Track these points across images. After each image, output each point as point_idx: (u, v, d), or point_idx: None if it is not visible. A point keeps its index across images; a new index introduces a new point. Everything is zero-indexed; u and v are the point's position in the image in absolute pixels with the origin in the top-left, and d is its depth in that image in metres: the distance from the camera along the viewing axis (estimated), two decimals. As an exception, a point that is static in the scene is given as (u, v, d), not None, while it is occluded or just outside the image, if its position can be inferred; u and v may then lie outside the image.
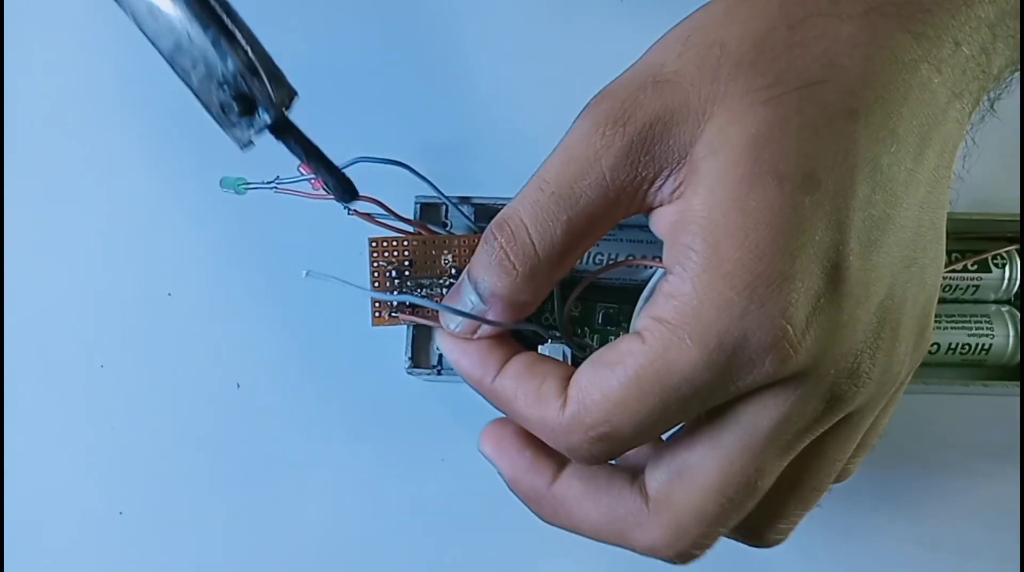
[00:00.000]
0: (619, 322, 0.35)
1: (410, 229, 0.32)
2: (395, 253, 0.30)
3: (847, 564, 0.37)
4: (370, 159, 0.31)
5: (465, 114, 0.39)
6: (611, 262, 0.34)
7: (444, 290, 0.31)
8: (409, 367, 0.33)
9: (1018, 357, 0.35)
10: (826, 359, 0.22)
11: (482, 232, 0.31)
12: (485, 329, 0.25)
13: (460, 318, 0.25)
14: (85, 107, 0.40)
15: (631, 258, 0.33)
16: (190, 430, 0.37)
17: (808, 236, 0.21)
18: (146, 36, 0.22)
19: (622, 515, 0.24)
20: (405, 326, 0.33)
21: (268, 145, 0.37)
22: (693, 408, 0.22)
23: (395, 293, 0.29)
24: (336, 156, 0.29)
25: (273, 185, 0.30)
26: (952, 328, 0.35)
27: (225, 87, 0.22)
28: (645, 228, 0.34)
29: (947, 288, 0.35)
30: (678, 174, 0.22)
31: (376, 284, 0.31)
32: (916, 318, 0.24)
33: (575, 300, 0.34)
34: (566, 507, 0.25)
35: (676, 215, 0.22)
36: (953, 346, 0.35)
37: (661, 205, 0.23)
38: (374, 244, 0.30)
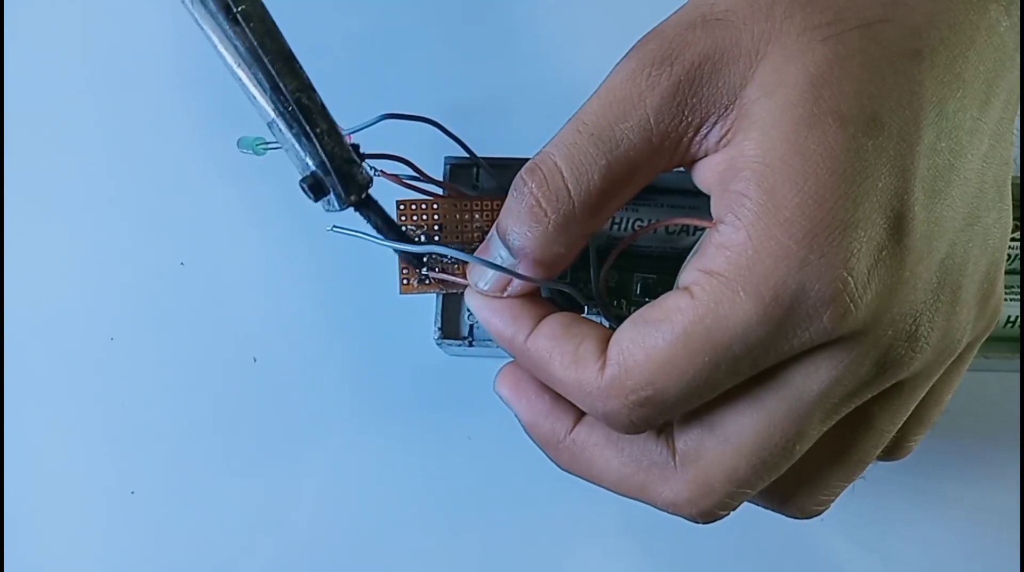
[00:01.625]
0: (658, 293, 0.33)
1: (439, 191, 0.31)
2: (424, 216, 0.30)
3: (893, 545, 0.35)
4: (397, 116, 0.30)
5: (497, 72, 0.38)
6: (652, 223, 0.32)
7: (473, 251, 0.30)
8: (439, 337, 0.31)
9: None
10: (884, 318, 0.21)
11: (502, 197, 0.30)
12: (516, 286, 0.24)
13: (489, 275, 0.24)
14: (93, 68, 0.39)
15: (675, 218, 0.31)
16: (205, 406, 0.37)
17: (871, 182, 0.20)
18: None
19: (646, 466, 0.23)
20: (434, 295, 0.32)
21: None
22: (744, 369, 0.21)
23: (422, 245, 0.28)
24: (361, 114, 0.29)
25: (295, 145, 0.29)
26: (1011, 299, 0.33)
27: (307, 172, 0.24)
28: (687, 193, 0.33)
29: (1008, 257, 0.33)
30: (726, 120, 0.21)
31: (404, 244, 0.30)
32: (978, 282, 0.22)
33: (611, 269, 0.32)
34: (586, 455, 0.24)
35: (725, 163, 0.21)
36: (1012, 319, 0.33)
37: (706, 155, 0.22)
38: (402, 206, 0.29)
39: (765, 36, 0.21)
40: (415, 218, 0.29)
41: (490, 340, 0.31)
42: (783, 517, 0.26)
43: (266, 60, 0.23)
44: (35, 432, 0.37)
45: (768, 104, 0.20)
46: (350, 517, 0.36)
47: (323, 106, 0.24)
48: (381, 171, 0.30)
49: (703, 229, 0.32)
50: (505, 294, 0.24)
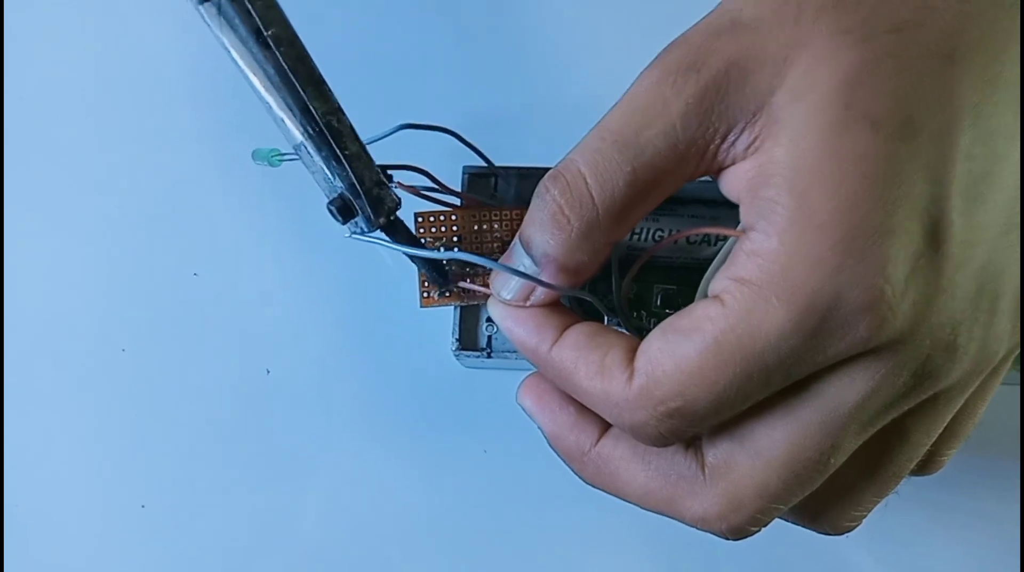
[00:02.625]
0: (678, 305, 0.33)
1: (457, 202, 0.30)
2: (442, 228, 0.29)
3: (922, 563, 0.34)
4: (415, 126, 0.30)
5: (513, 84, 0.38)
6: (674, 233, 0.32)
7: None
8: (456, 348, 0.31)
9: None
10: (923, 328, 0.20)
11: (524, 207, 0.30)
12: (539, 295, 0.24)
13: (513, 283, 0.24)
14: (107, 78, 0.39)
15: (699, 227, 0.31)
16: (217, 419, 0.36)
17: (906, 188, 0.19)
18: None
19: (674, 480, 0.23)
20: (452, 307, 0.31)
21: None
22: (776, 380, 0.20)
23: (442, 250, 0.28)
24: (378, 124, 0.29)
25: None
26: None
27: (334, 195, 0.24)
28: (708, 203, 0.32)
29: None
30: (753, 127, 0.21)
31: (417, 262, 0.30)
32: (1014, 292, 0.22)
33: (632, 279, 0.32)
34: (611, 468, 0.24)
35: (755, 170, 0.21)
36: None
37: (733, 163, 0.21)
38: (420, 219, 0.29)
39: (793, 41, 0.20)
40: (433, 230, 0.29)
41: (509, 351, 0.31)
42: (805, 533, 0.25)
43: (296, 84, 0.23)
44: (44, 445, 0.36)
45: (798, 109, 0.20)
46: (364, 532, 0.35)
47: (352, 129, 0.24)
48: (399, 182, 0.30)
49: (724, 239, 0.32)
50: (528, 303, 0.24)
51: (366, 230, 0.25)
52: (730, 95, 0.21)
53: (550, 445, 0.25)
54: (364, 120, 0.30)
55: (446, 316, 0.34)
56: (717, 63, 0.21)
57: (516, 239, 0.24)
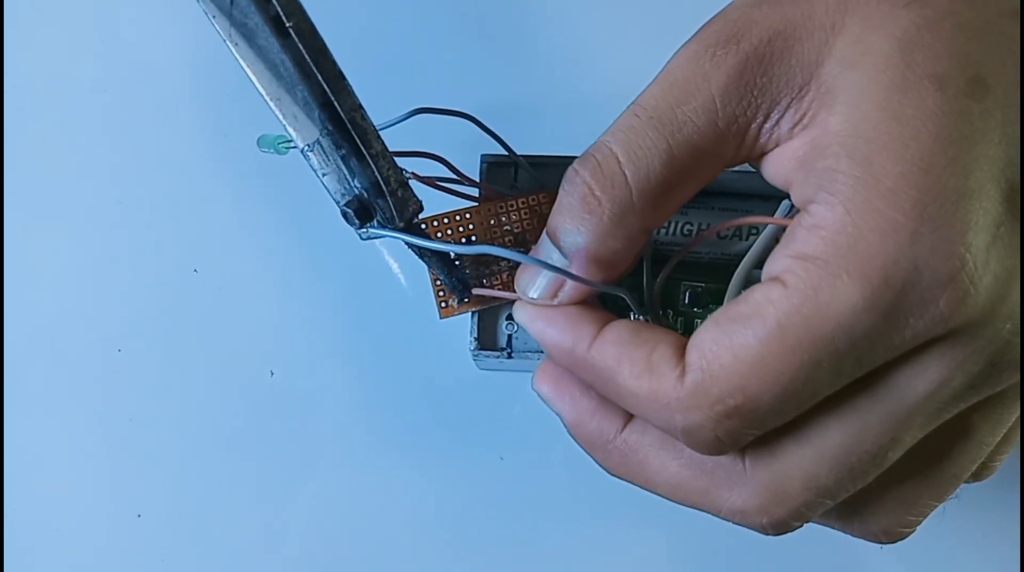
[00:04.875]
0: (707, 303, 0.32)
1: (475, 192, 0.29)
2: (448, 231, 0.29)
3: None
4: (431, 110, 0.29)
5: (533, 72, 0.37)
6: (705, 228, 0.30)
7: (508, 262, 0.29)
8: (475, 349, 0.30)
9: None
10: (1003, 309, 0.19)
11: (548, 190, 0.28)
12: (568, 291, 0.22)
13: (539, 281, 0.22)
14: (104, 70, 0.38)
15: (745, 217, 0.29)
16: (217, 423, 0.35)
17: (981, 149, 0.18)
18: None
19: (710, 469, 0.21)
20: (475, 310, 0.31)
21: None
22: (847, 369, 0.19)
23: (465, 245, 0.27)
24: (390, 114, 0.28)
25: (321, 145, 0.29)
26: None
27: (350, 196, 0.24)
28: (739, 196, 0.31)
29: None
30: (801, 102, 0.20)
31: (435, 269, 0.29)
32: None
33: (652, 277, 0.30)
34: (639, 456, 0.22)
35: (806, 146, 0.20)
36: None
37: (777, 145, 0.20)
38: (425, 227, 0.28)
39: (840, 7, 0.19)
40: (439, 235, 0.28)
41: (530, 352, 0.30)
42: (838, 541, 0.24)
43: (319, 76, 0.22)
44: (36, 450, 0.35)
45: (852, 76, 0.19)
46: (374, 542, 0.35)
47: (375, 128, 0.24)
48: (413, 173, 0.29)
49: (757, 233, 0.30)
50: (557, 301, 0.22)
51: (380, 234, 0.24)
52: (774, 67, 0.20)
53: (570, 434, 0.23)
54: (376, 109, 0.29)
55: (460, 317, 0.33)
56: (759, 33, 0.20)
57: (544, 234, 0.23)
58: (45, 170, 0.37)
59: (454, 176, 0.29)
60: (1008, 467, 0.33)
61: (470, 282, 0.27)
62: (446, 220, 0.29)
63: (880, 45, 0.19)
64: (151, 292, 0.36)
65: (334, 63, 0.23)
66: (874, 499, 0.22)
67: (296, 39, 0.22)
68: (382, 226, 0.24)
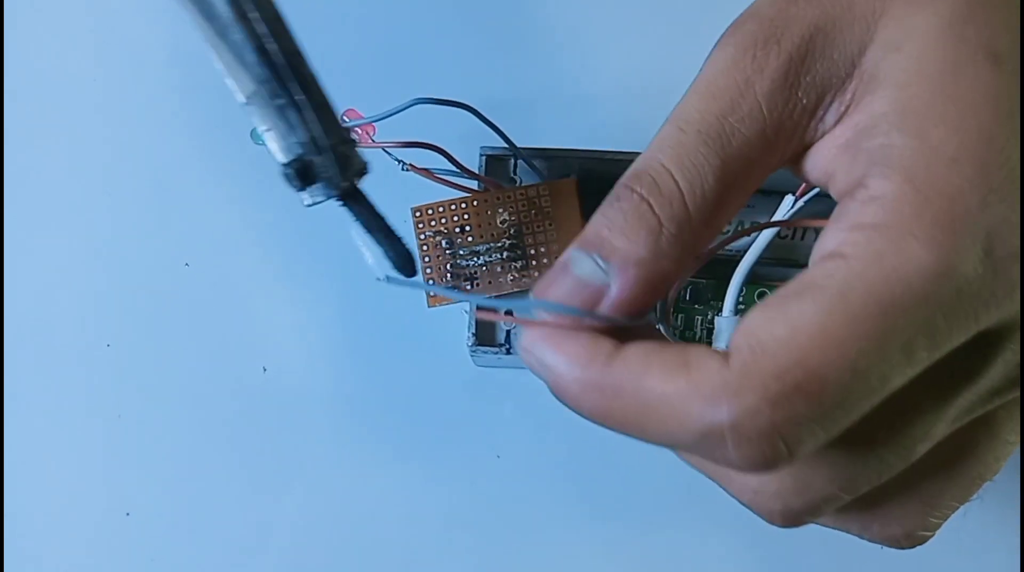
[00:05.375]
0: (708, 300, 0.31)
1: (474, 185, 0.29)
2: (443, 220, 0.28)
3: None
4: (430, 100, 0.28)
5: (533, 66, 0.37)
6: (745, 228, 0.29)
7: (503, 255, 0.29)
8: (472, 344, 0.30)
9: None
10: None
11: (547, 182, 0.28)
12: (607, 309, 0.19)
13: (563, 293, 0.19)
14: (94, 63, 0.38)
15: (795, 220, 0.28)
16: (208, 420, 0.35)
17: None
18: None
19: None
20: (464, 302, 0.30)
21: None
22: (920, 350, 0.16)
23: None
24: (390, 103, 0.27)
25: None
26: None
27: (292, 155, 0.22)
28: (761, 193, 0.30)
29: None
30: (844, 94, 0.19)
31: (426, 258, 0.29)
32: None
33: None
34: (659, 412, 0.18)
35: (850, 132, 0.19)
36: None
37: (823, 137, 0.19)
38: (418, 214, 0.28)
39: None
40: (432, 224, 0.28)
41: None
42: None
43: (250, 17, 0.21)
44: (22, 446, 0.35)
45: (897, 58, 0.18)
46: (367, 540, 0.34)
47: (316, 78, 0.22)
48: (411, 165, 0.29)
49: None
50: (586, 321, 0.19)
51: (327, 195, 0.22)
52: (816, 64, 0.19)
53: (556, 390, 0.19)
54: (375, 101, 0.28)
55: (456, 312, 0.33)
56: (799, 31, 0.19)
57: (569, 252, 0.20)
58: (34, 163, 0.37)
59: (453, 168, 0.29)
60: (1009, 466, 0.33)
61: (413, 257, 0.24)
62: (440, 209, 0.28)
63: (927, 24, 0.18)
64: (140, 286, 0.36)
65: (270, 4, 0.21)
66: (896, 501, 0.21)
67: None
68: (329, 192, 0.22)
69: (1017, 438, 0.21)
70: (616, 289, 0.19)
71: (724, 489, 0.20)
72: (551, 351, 0.19)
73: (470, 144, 0.31)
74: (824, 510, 0.19)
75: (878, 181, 0.17)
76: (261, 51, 0.21)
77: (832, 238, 0.17)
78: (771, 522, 0.20)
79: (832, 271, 0.17)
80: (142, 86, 0.37)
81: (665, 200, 0.19)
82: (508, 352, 0.29)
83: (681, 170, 0.19)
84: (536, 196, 0.28)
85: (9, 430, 0.35)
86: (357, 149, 0.22)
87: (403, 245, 0.23)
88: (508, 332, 0.30)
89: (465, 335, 0.30)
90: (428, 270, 0.28)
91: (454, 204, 0.28)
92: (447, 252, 0.28)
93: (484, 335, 0.30)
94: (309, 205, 0.23)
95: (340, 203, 0.23)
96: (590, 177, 0.28)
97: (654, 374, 0.17)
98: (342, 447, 0.34)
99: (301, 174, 0.22)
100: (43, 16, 0.38)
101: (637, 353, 0.18)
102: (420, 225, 0.28)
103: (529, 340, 0.19)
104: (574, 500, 0.34)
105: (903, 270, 0.16)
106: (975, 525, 0.33)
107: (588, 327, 0.19)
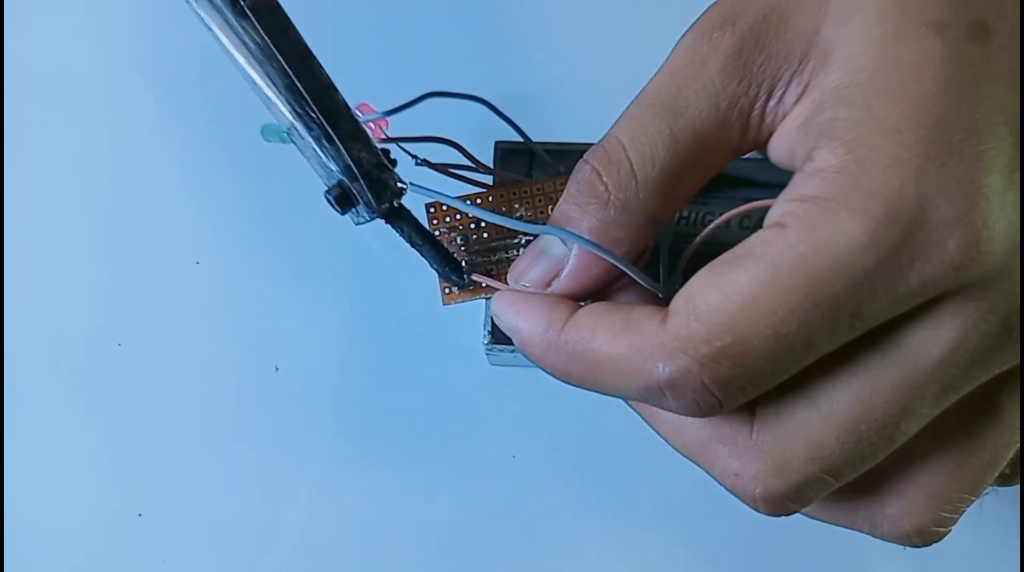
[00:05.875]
0: None
1: (490, 180, 0.28)
2: (457, 216, 0.28)
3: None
4: (443, 94, 0.28)
5: (547, 60, 0.36)
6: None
7: (519, 251, 0.28)
8: (489, 342, 0.29)
9: None
10: (1019, 261, 0.18)
11: (564, 176, 0.28)
12: (564, 281, 0.22)
13: (534, 270, 0.22)
14: (104, 60, 0.38)
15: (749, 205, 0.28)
16: (220, 420, 0.35)
17: (988, 91, 0.17)
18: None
19: (716, 422, 0.20)
20: (483, 300, 0.30)
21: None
22: (845, 318, 0.17)
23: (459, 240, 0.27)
24: (404, 98, 0.27)
25: (327, 131, 0.28)
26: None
27: (333, 181, 0.23)
28: (763, 186, 0.30)
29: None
30: (802, 74, 0.19)
31: (426, 257, 0.28)
32: None
33: (682, 272, 0.29)
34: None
35: (807, 110, 0.19)
36: None
37: (784, 118, 0.20)
38: (432, 210, 0.28)
39: None
40: (448, 220, 0.28)
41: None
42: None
43: (279, 57, 0.22)
44: (33, 447, 0.35)
45: (846, 32, 0.19)
46: (380, 541, 0.34)
47: (347, 107, 0.23)
48: (424, 160, 0.28)
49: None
50: (548, 290, 0.22)
51: (368, 218, 0.23)
52: (770, 43, 0.19)
53: (524, 344, 0.21)
54: (388, 95, 0.28)
55: (472, 310, 0.32)
56: (754, 12, 0.20)
57: (546, 226, 0.22)
58: (45, 162, 0.37)
59: (468, 163, 0.28)
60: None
61: (465, 270, 0.26)
62: (452, 207, 0.28)
63: (871, 1, 0.18)
64: (152, 284, 0.35)
65: (298, 40, 0.22)
66: (901, 494, 0.21)
67: (252, 18, 0.21)
68: (369, 215, 0.23)
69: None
70: (572, 260, 0.21)
71: (708, 473, 0.21)
72: (514, 317, 0.21)
73: (484, 139, 0.30)
74: (809, 496, 0.20)
75: (822, 153, 0.18)
76: (291, 88, 0.22)
77: (777, 209, 0.18)
78: (755, 507, 0.20)
79: (770, 239, 0.18)
80: (151, 83, 0.37)
81: (614, 169, 0.20)
82: (524, 350, 0.29)
83: (632, 141, 0.20)
84: (553, 191, 0.27)
85: (21, 430, 0.35)
86: (394, 171, 0.23)
87: (454, 259, 0.25)
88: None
89: (480, 333, 0.29)
90: (435, 268, 0.28)
91: (468, 200, 0.27)
92: (462, 249, 0.28)
93: (500, 333, 0.29)
94: (357, 224, 0.24)
95: (385, 221, 0.24)
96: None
97: (601, 337, 0.19)
98: (356, 447, 0.34)
99: (341, 200, 0.23)
100: (50, 12, 0.38)
101: (587, 317, 0.20)
102: (435, 221, 0.28)
103: (497, 307, 0.22)
104: (589, 500, 0.33)
105: (833, 242, 0.17)
106: (975, 524, 0.32)
107: (547, 294, 0.21)
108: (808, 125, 0.19)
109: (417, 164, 0.29)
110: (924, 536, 0.21)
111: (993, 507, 0.32)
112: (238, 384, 0.35)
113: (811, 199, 0.17)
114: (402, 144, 0.28)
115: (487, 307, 0.29)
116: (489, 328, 0.29)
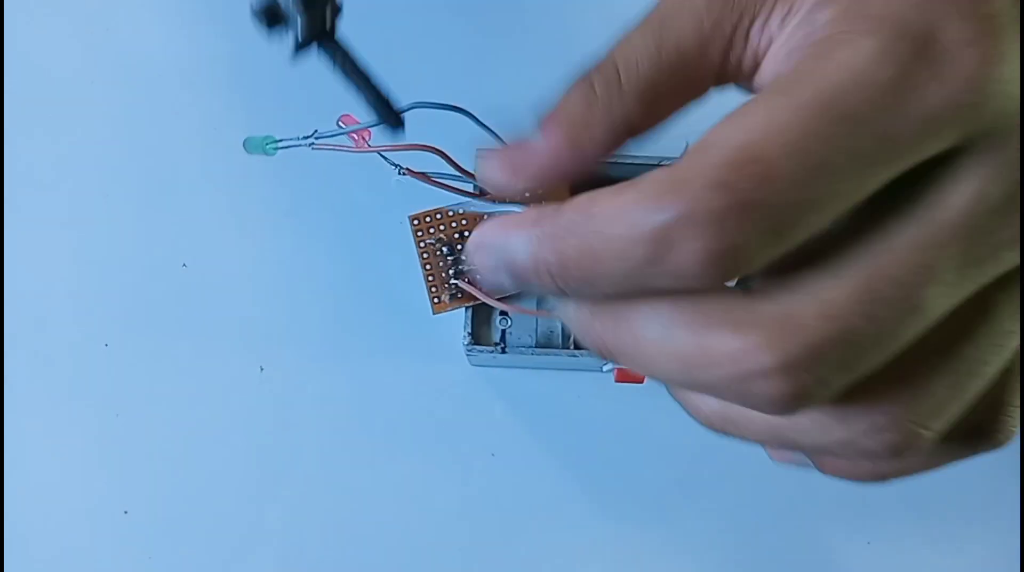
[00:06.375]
0: None
1: (471, 186, 0.29)
2: (441, 227, 0.28)
3: None
4: (427, 105, 0.28)
5: (530, 71, 0.36)
6: None
7: None
8: (469, 344, 0.29)
9: None
10: None
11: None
12: (538, 162, 0.20)
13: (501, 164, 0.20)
14: (94, 65, 0.38)
15: None
16: (206, 419, 0.34)
17: None
18: None
19: (704, 305, 0.17)
20: (469, 306, 0.30)
21: (300, 98, 0.34)
22: (867, 142, 0.16)
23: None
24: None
25: (310, 141, 0.27)
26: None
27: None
28: None
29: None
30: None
31: (428, 266, 0.29)
32: None
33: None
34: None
35: (795, 36, 0.18)
36: None
37: (771, 45, 0.19)
38: (416, 222, 0.28)
39: None
40: (431, 231, 0.28)
41: (523, 346, 0.29)
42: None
43: None
44: (20, 445, 0.34)
45: None
46: (363, 539, 0.34)
47: None
48: (407, 169, 0.29)
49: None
50: (527, 175, 0.20)
51: (298, 41, 0.21)
52: None
53: (515, 275, 0.18)
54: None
55: (452, 314, 0.32)
56: None
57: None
58: (31, 163, 0.36)
59: (451, 172, 0.29)
60: (1009, 466, 0.33)
61: (401, 115, 0.23)
62: (439, 216, 0.28)
63: None
64: (138, 286, 0.35)
65: None
66: (881, 399, 0.17)
67: None
68: (301, 34, 0.21)
69: (1015, 328, 0.18)
70: (543, 142, 0.19)
71: (705, 374, 0.17)
72: (501, 232, 0.18)
73: (468, 150, 0.30)
74: (831, 370, 0.16)
75: (822, 12, 0.18)
76: None
77: (777, 64, 0.19)
78: (769, 398, 0.16)
79: (783, 74, 0.17)
80: (140, 88, 0.37)
81: (602, 78, 0.20)
82: (503, 351, 0.29)
83: (622, 56, 0.20)
84: (537, 201, 0.28)
85: (8, 429, 0.34)
86: None
87: (385, 97, 0.22)
88: (503, 332, 0.30)
89: (461, 334, 0.30)
90: (430, 278, 0.28)
91: (452, 210, 0.28)
92: (448, 258, 0.28)
93: (480, 334, 0.30)
94: (293, 59, 0.21)
95: (318, 46, 0.21)
96: (588, 180, 0.29)
97: (601, 200, 0.17)
98: (338, 446, 0.34)
99: (267, 15, 0.21)
100: (41, 15, 0.38)
101: (584, 195, 0.17)
102: (419, 233, 0.28)
103: (479, 237, 0.19)
104: (568, 498, 0.33)
105: (845, 59, 0.16)
106: (975, 523, 0.33)
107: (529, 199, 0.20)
108: (794, 49, 0.19)
109: (400, 174, 0.29)
110: (897, 452, 0.18)
111: (994, 506, 0.33)
112: (223, 384, 0.35)
113: (819, 35, 0.17)
114: (384, 154, 0.29)
115: (467, 310, 0.30)
116: (469, 329, 0.29)
